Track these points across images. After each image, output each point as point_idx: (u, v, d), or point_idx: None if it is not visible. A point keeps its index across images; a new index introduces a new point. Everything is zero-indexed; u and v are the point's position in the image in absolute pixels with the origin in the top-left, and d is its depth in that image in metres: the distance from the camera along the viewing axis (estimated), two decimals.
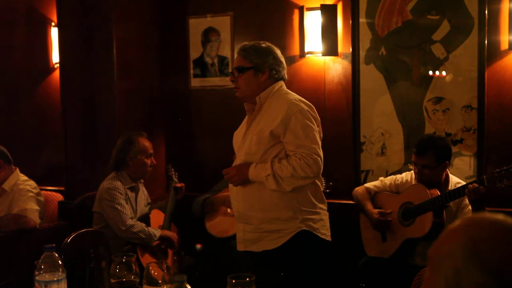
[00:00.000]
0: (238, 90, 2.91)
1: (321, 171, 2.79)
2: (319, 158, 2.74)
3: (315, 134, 2.77)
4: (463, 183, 3.27)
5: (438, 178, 3.32)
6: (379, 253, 3.46)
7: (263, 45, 2.92)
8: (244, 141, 2.89)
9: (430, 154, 3.26)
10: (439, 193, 3.21)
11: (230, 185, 2.94)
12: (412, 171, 3.48)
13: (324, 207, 2.91)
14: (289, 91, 2.93)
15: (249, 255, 2.91)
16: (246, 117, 3.00)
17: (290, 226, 2.80)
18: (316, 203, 2.86)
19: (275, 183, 2.73)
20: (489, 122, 3.71)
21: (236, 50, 2.99)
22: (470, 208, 3.14)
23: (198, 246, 4.06)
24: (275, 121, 2.76)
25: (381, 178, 3.66)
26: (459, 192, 3.09)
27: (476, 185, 2.99)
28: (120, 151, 3.73)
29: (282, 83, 2.93)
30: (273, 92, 2.87)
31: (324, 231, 2.88)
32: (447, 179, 3.35)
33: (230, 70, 4.44)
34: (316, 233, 2.83)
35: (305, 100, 2.85)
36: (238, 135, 3.01)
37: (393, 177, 3.60)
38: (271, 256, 2.84)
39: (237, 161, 2.92)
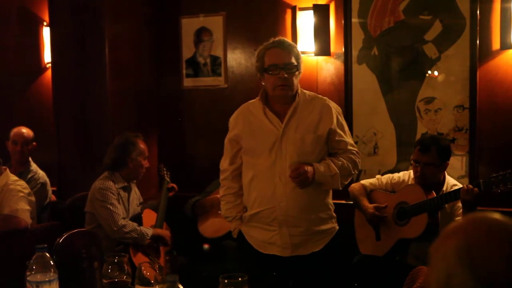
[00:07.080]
0: (288, 88, 2.70)
1: None
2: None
3: None
4: (459, 185, 3.27)
5: (438, 178, 3.30)
6: (373, 251, 3.46)
7: None
8: (286, 141, 2.69)
9: (433, 151, 3.23)
10: (435, 195, 3.19)
11: (272, 189, 2.70)
12: (410, 171, 3.47)
13: None
14: None
15: (294, 260, 2.77)
16: (265, 117, 2.75)
17: (331, 226, 2.82)
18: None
19: (339, 182, 2.72)
20: (481, 121, 3.73)
21: (279, 44, 2.78)
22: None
23: (206, 246, 4.03)
24: (327, 120, 2.72)
25: (378, 176, 3.63)
26: (455, 194, 3.07)
27: (471, 186, 2.99)
28: (121, 151, 3.70)
29: None
30: (303, 91, 2.82)
31: None
32: (444, 180, 3.34)
33: (223, 70, 4.44)
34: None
35: None
36: (263, 135, 2.74)
37: (390, 175, 3.58)
38: (316, 258, 2.76)
39: (286, 161, 2.68)
